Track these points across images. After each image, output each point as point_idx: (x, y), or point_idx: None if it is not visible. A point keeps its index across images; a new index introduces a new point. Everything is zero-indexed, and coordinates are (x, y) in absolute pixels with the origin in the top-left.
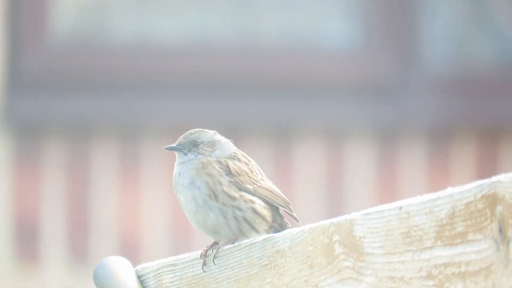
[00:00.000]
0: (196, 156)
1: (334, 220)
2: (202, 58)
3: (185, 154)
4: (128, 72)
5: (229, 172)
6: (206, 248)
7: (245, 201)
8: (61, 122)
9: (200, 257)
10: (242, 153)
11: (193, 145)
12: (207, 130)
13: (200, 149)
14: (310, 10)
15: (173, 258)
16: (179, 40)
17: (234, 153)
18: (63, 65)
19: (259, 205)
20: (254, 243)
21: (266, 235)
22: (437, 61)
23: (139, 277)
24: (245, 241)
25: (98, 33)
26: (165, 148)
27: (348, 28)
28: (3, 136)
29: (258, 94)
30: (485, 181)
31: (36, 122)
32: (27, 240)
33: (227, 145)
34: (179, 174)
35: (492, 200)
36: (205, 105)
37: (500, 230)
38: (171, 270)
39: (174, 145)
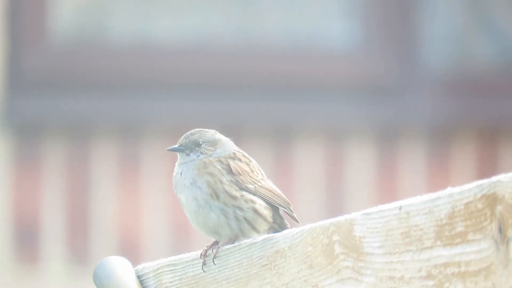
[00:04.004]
0: (198, 156)
1: (333, 220)
2: (203, 58)
3: (188, 155)
4: (128, 72)
5: (230, 172)
6: (206, 248)
7: (245, 201)
8: (61, 122)
9: (200, 257)
10: (243, 152)
11: (195, 145)
12: (207, 130)
13: (203, 149)
14: (310, 10)
15: (173, 258)
16: (180, 40)
17: (233, 153)
18: (63, 65)
19: (260, 205)
20: (254, 243)
21: (266, 235)
22: (436, 61)
23: (139, 277)
24: (245, 241)
25: (98, 33)
26: (167, 150)
27: (348, 28)
28: (3, 136)
29: (258, 94)
30: (485, 181)
31: (37, 122)
32: (27, 240)
33: (227, 144)
34: (181, 174)
35: (492, 200)
36: (205, 105)
37: (500, 230)
38: (171, 270)
39: (176, 146)
